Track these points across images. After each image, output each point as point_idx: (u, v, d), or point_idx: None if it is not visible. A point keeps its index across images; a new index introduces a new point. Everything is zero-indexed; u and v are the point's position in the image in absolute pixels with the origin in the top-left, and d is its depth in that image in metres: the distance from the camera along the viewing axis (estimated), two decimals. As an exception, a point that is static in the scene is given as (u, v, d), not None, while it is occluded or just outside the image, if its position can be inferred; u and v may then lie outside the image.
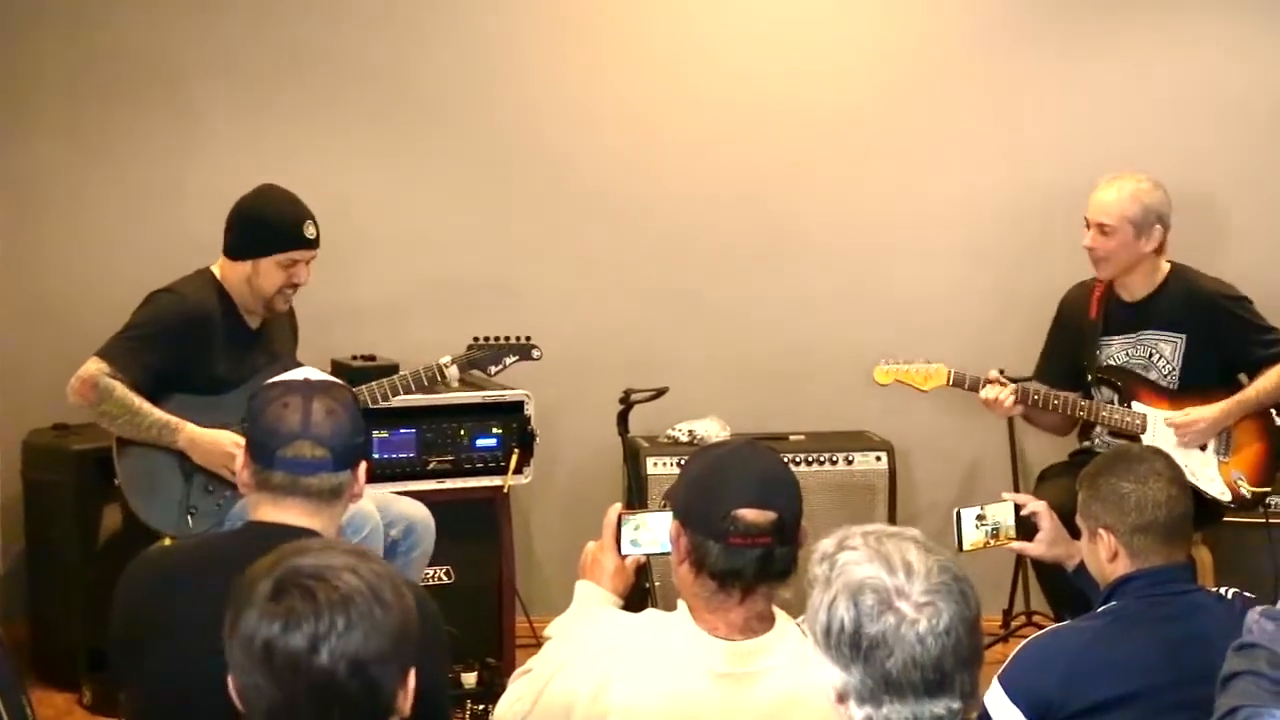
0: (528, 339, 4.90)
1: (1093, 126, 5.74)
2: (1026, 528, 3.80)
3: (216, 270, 4.51)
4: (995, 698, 2.96)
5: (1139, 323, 4.84)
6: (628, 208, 5.73)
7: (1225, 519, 4.88)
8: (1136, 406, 4.77)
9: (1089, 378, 4.86)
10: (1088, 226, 4.77)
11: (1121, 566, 3.17)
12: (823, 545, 2.14)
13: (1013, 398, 4.70)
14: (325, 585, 1.99)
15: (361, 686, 1.98)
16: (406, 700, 2.06)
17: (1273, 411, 4.92)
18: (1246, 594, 3.19)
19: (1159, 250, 4.79)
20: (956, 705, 2.06)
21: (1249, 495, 4.78)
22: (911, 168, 5.80)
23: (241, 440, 4.22)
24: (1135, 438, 4.71)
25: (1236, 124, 5.78)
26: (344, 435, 2.79)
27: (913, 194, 5.81)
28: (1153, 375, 4.81)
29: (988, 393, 4.72)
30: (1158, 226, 4.73)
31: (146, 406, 4.29)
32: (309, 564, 2.02)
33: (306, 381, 2.90)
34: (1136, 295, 4.84)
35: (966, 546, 3.75)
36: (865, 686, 2.06)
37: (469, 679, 4.88)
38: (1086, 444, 4.94)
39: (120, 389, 4.27)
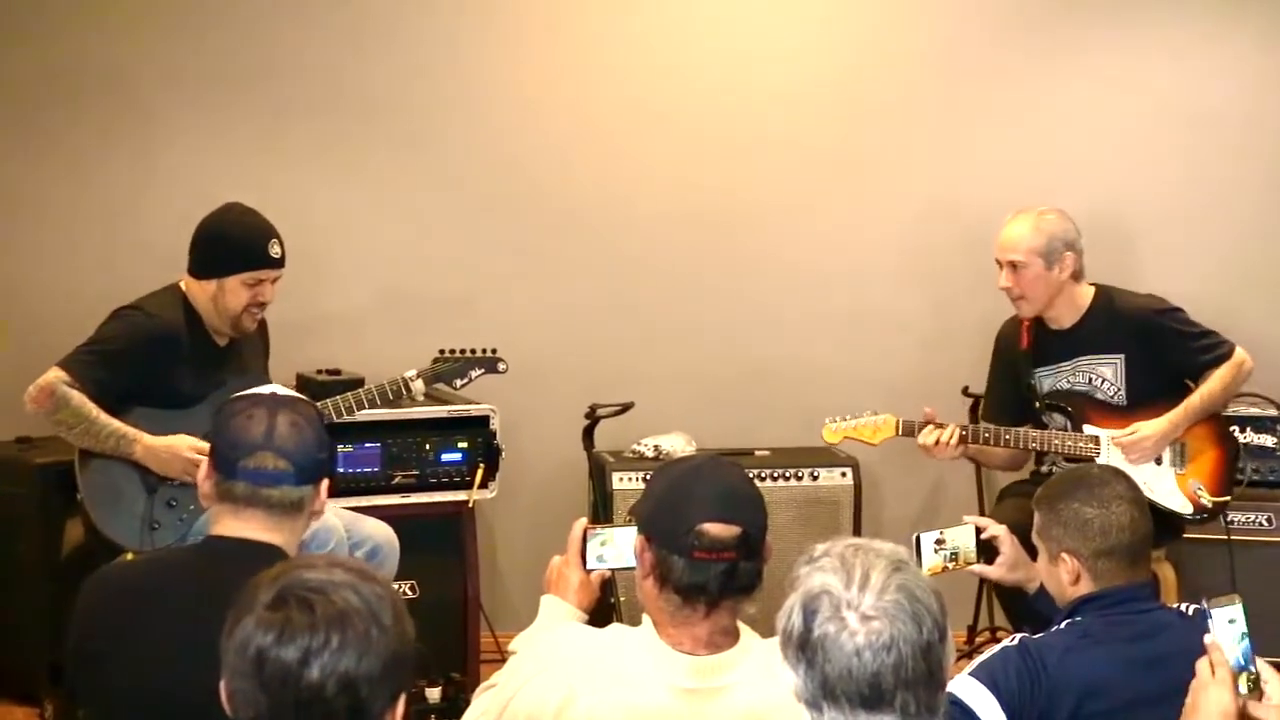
0: (493, 352, 4.91)
1: (1046, 148, 5.80)
2: (988, 550, 3.80)
3: (184, 286, 4.50)
4: (967, 685, 2.93)
5: (1072, 350, 4.82)
6: (593, 223, 5.74)
7: (1187, 535, 4.89)
8: (1089, 429, 4.75)
9: (1036, 405, 4.85)
10: (1000, 267, 4.76)
11: (1084, 588, 3.17)
12: (811, 549, 2.18)
13: (956, 437, 4.61)
14: (324, 600, 1.99)
15: (349, 706, 1.98)
16: None
17: (1223, 419, 4.93)
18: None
19: (1076, 277, 4.77)
20: None
21: (1210, 505, 4.74)
22: (875, 188, 5.83)
23: (200, 444, 4.24)
24: (1090, 461, 4.70)
25: (1187, 143, 5.82)
26: (307, 450, 2.79)
27: (877, 213, 5.84)
28: (1099, 398, 4.81)
29: (925, 437, 4.63)
30: (1068, 253, 4.71)
31: (104, 417, 4.28)
32: (312, 578, 2.02)
33: (273, 396, 2.90)
34: (1064, 324, 4.82)
35: (925, 571, 3.73)
36: (808, 690, 2.11)
37: (433, 694, 4.87)
38: (1044, 468, 4.92)
39: (77, 398, 4.26)
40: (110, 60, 5.46)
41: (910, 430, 4.70)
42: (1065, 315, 4.82)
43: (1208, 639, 2.68)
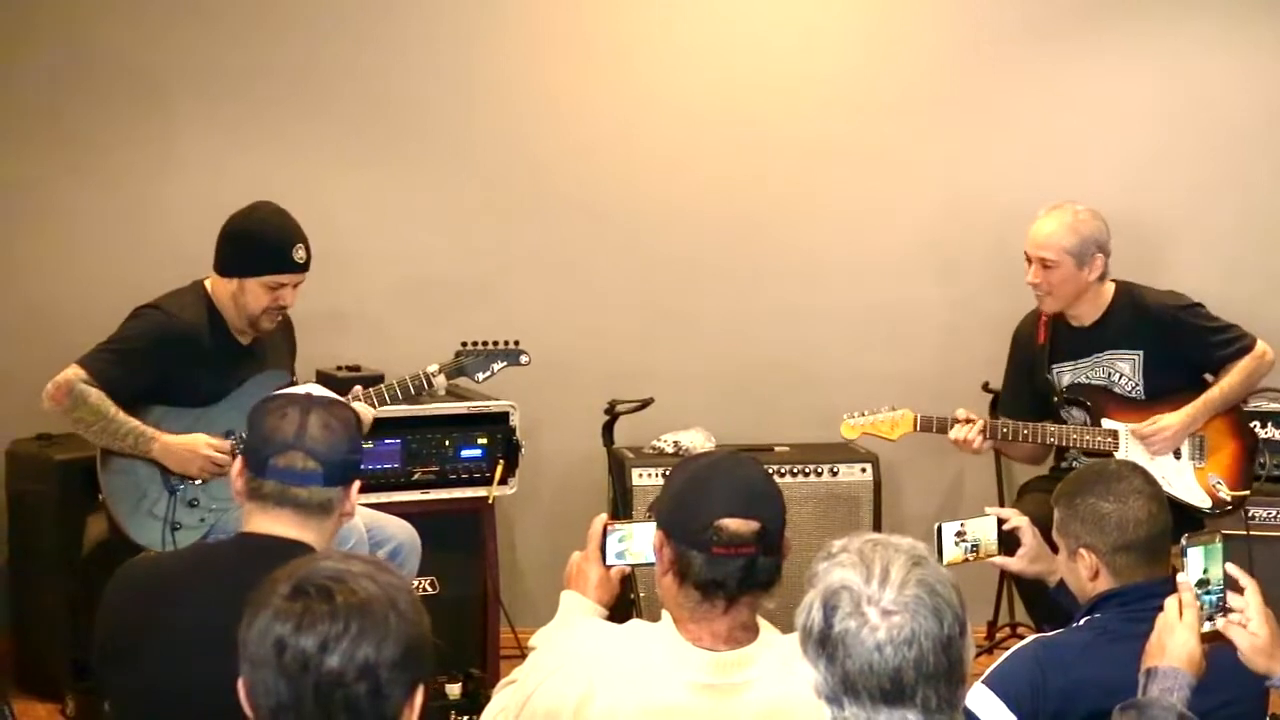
0: (515, 343, 4.89)
1: (1066, 144, 5.79)
2: (1009, 542, 3.80)
3: (209, 284, 4.50)
4: (981, 697, 2.95)
5: (1092, 347, 4.83)
6: (613, 220, 5.74)
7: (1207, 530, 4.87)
8: (1107, 423, 4.76)
9: (1054, 400, 4.86)
10: (1029, 262, 4.77)
11: (1103, 584, 3.17)
12: (830, 545, 2.18)
13: (981, 436, 4.69)
14: (344, 589, 2.01)
15: (369, 692, 1.99)
16: (413, 715, 2.06)
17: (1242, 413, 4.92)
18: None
19: (1102, 277, 4.78)
20: (914, 718, 2.09)
21: (1229, 500, 4.75)
22: (894, 184, 5.83)
23: (217, 442, 4.26)
24: (1109, 456, 4.70)
25: (1202, 140, 5.80)
26: (338, 451, 2.80)
27: (897, 210, 5.83)
28: (1117, 392, 4.81)
29: (956, 433, 4.71)
30: (1098, 255, 4.73)
31: (121, 415, 4.28)
32: (328, 568, 2.04)
33: (308, 396, 2.90)
34: (1085, 321, 4.84)
35: (945, 562, 3.73)
36: (828, 686, 2.12)
37: (453, 690, 4.88)
38: (1064, 463, 4.93)
39: (95, 396, 4.27)
40: (133, 59, 5.48)
41: (929, 425, 4.74)
42: (1087, 313, 4.83)
43: (1180, 578, 2.72)
